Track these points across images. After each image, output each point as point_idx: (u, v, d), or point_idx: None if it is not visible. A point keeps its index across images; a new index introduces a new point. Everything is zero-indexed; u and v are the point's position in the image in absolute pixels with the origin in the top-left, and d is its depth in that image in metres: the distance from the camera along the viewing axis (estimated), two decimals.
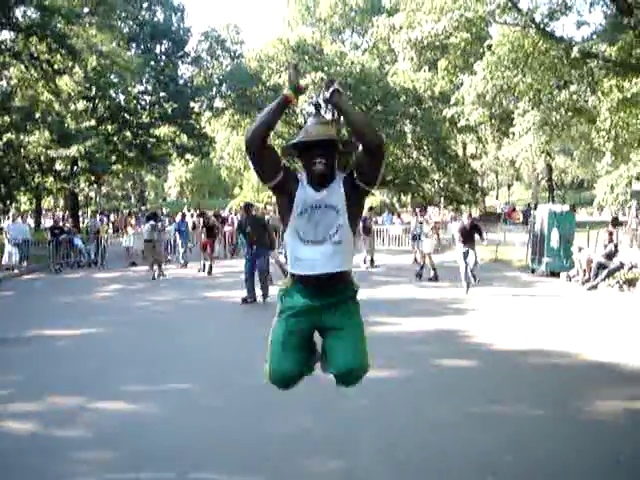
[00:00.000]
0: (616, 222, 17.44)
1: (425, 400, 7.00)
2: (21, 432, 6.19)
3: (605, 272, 15.57)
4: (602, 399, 6.97)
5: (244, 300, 13.55)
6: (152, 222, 20.43)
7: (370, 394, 6.41)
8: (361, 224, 18.89)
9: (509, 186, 74.79)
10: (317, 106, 3.70)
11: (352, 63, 44.19)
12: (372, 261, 21.58)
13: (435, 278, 17.39)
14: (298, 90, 3.64)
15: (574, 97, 32.71)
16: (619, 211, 46.79)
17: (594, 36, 27.65)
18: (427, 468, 5.18)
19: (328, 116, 3.80)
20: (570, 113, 34.24)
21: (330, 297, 3.70)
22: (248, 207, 14.91)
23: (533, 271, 19.00)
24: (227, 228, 27.08)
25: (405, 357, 8.82)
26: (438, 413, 6.54)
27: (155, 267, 19.42)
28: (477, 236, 15.29)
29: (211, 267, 20.13)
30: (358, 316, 3.81)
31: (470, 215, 16.61)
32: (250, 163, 3.70)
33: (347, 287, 3.78)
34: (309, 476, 4.93)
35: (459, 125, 36.79)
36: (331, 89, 3.55)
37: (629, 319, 11.80)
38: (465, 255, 14.97)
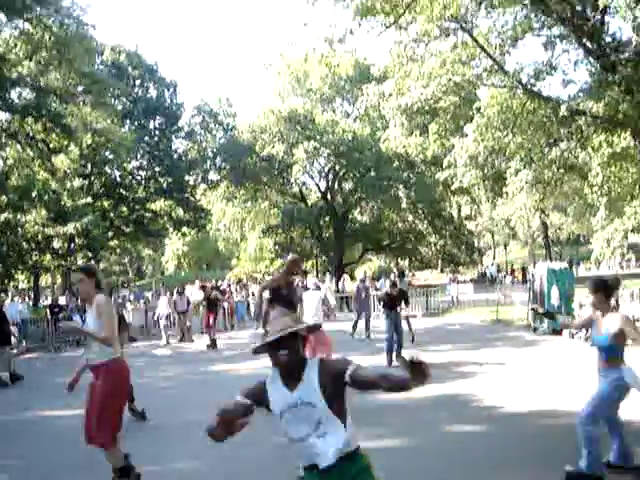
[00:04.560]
0: None
1: (439, 469, 6.89)
2: None
3: None
4: None
5: None
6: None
7: (384, 467, 6.30)
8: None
9: (505, 245, 75.00)
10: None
11: (344, 131, 44.75)
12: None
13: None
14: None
15: (565, 154, 32.99)
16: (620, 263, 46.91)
17: (580, 94, 28.02)
18: None
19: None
20: (562, 170, 34.45)
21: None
22: None
23: (535, 330, 18.90)
24: (225, 303, 27.00)
25: (415, 425, 8.72)
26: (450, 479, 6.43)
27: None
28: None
29: (214, 341, 20.03)
30: None
31: (394, 284, 15.90)
32: None
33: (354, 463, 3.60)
34: None
35: (453, 187, 37.01)
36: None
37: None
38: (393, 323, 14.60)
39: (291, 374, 3.58)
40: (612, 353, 6.28)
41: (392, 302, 14.57)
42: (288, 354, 3.53)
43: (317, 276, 38.19)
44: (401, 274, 21.86)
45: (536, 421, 8.63)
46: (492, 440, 7.92)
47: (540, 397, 9.95)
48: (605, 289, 6.40)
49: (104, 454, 6.35)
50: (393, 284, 15.35)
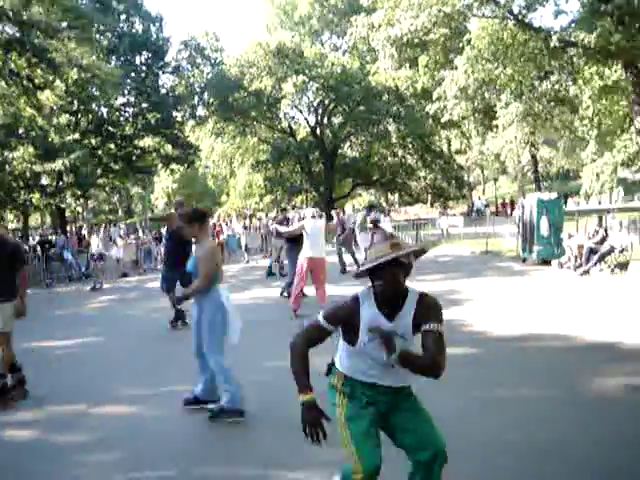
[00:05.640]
0: None
1: (429, 388, 6.96)
2: (24, 439, 6.19)
3: (596, 257, 15.62)
4: (602, 377, 7.00)
5: None
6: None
7: None
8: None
9: (495, 180, 74.97)
10: (375, 222, 3.64)
11: (333, 64, 44.34)
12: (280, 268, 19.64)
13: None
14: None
15: (555, 87, 32.87)
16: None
17: (572, 24, 27.79)
18: None
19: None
20: (552, 103, 34.40)
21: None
22: None
23: (524, 260, 19.01)
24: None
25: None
26: (443, 400, 6.52)
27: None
28: None
29: None
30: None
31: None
32: None
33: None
34: (314, 465, 4.93)
35: (443, 121, 36.92)
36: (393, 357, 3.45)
37: (622, 301, 11.83)
38: None
39: (389, 302, 3.52)
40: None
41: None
42: (383, 283, 3.46)
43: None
44: (370, 207, 21.04)
45: (524, 344, 8.74)
46: (480, 361, 8.03)
47: (528, 322, 10.06)
48: (199, 219, 6.46)
49: None
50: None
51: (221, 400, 6.29)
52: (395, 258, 3.41)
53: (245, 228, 30.50)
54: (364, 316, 3.52)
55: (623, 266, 15.33)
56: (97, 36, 39.67)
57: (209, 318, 6.23)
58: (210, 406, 6.37)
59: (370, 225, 17.29)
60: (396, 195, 60.88)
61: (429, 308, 3.54)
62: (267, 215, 33.06)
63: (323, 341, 3.68)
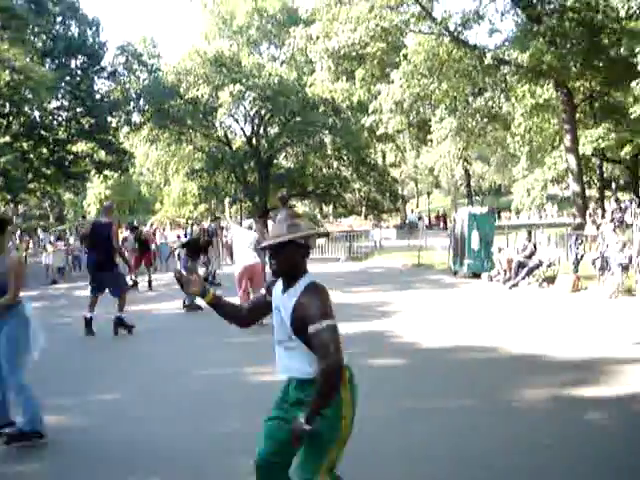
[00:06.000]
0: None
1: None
2: None
3: (525, 270, 15.95)
4: (525, 388, 7.16)
5: None
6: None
7: None
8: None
9: (429, 194, 75.89)
10: (282, 198, 3.55)
11: (270, 75, 44.21)
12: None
13: None
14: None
15: (489, 103, 33.59)
16: (539, 212, 48.14)
17: (506, 43, 28.41)
18: (359, 462, 5.20)
19: None
20: (486, 119, 35.11)
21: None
22: None
23: (455, 273, 19.29)
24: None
25: None
26: (370, 409, 6.55)
27: None
28: None
29: (136, 282, 19.82)
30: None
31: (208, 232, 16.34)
32: None
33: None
34: (236, 475, 4.92)
35: (378, 134, 37.24)
36: None
37: (549, 314, 12.10)
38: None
39: (284, 280, 3.48)
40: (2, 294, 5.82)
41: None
42: (276, 262, 3.43)
43: (241, 222, 38.02)
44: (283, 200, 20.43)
45: (452, 355, 8.88)
46: (412, 372, 8.12)
47: (456, 334, 10.21)
48: (1, 228, 5.97)
49: None
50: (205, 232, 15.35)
51: (18, 423, 5.93)
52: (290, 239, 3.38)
53: (179, 237, 30.21)
54: (275, 289, 3.57)
55: (550, 280, 15.71)
56: (31, 38, 38.96)
57: (13, 333, 5.79)
58: (7, 430, 5.92)
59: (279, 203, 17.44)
60: (330, 206, 61.03)
61: (307, 307, 3.32)
62: (200, 224, 32.73)
63: (263, 305, 3.70)
